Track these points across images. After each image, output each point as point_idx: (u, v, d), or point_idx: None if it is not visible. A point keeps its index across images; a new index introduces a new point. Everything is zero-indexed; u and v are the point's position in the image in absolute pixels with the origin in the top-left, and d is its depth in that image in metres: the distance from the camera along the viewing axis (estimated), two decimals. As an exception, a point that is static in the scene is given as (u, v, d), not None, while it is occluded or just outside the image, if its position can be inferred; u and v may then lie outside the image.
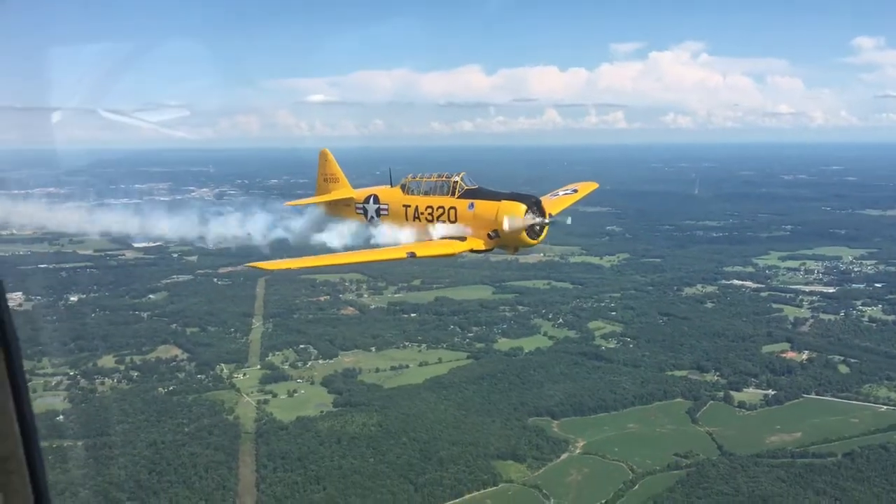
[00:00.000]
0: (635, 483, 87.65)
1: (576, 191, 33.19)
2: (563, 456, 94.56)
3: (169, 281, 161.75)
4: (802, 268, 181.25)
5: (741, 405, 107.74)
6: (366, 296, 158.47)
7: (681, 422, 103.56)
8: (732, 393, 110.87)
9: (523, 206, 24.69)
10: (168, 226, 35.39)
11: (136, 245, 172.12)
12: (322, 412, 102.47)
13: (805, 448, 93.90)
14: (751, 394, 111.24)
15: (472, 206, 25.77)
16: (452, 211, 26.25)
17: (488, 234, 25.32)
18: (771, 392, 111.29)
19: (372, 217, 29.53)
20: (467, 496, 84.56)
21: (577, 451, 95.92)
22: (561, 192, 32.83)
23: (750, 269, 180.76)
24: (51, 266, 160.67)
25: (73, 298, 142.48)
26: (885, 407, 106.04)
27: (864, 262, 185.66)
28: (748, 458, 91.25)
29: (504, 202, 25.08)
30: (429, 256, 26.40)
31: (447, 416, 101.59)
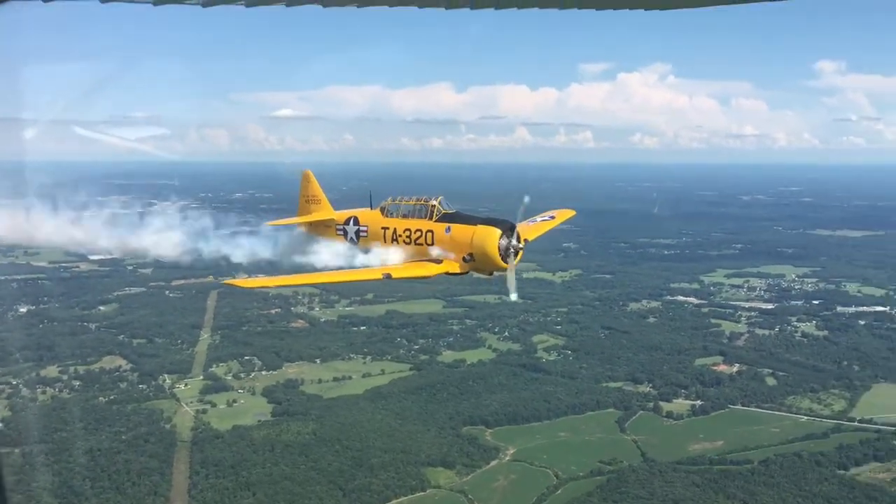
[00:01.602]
0: (558, 488, 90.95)
1: (553, 217, 33.63)
2: (493, 463, 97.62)
3: (121, 293, 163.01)
4: (746, 285, 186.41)
5: (669, 415, 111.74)
6: (317, 309, 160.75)
7: (610, 430, 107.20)
8: (662, 403, 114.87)
9: (498, 231, 25.36)
10: (118, 238, 34.31)
11: (91, 257, 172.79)
12: (259, 421, 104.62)
13: (724, 455, 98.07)
14: (679, 404, 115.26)
15: (448, 229, 26.32)
16: (430, 234, 26.76)
17: (464, 258, 25.88)
18: (698, 403, 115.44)
19: (351, 238, 29.85)
20: (394, 501, 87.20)
21: (507, 458, 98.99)
22: (539, 219, 32.90)
23: (696, 285, 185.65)
24: (2, 277, 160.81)
25: (23, 310, 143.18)
26: (805, 417, 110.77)
27: (805, 279, 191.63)
28: (668, 464, 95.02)
29: (480, 227, 25.61)
30: (404, 278, 26.79)
31: (383, 424, 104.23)
